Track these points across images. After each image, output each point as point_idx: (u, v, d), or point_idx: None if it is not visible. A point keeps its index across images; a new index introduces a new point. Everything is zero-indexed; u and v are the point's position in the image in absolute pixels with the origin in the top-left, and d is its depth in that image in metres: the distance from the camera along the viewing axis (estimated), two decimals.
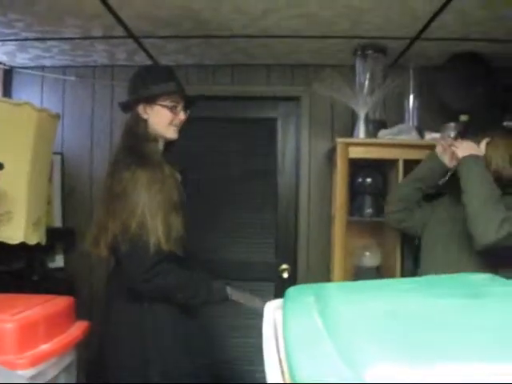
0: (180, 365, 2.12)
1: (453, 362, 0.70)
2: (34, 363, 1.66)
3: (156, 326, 2.11)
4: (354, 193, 3.19)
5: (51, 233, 3.00)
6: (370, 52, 3.06)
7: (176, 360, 2.12)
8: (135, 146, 2.16)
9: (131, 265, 2.03)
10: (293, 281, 3.38)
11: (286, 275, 3.50)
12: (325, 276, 3.22)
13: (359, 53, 3.10)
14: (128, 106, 2.27)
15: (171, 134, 2.26)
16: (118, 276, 2.17)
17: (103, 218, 2.10)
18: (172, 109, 2.24)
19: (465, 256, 2.26)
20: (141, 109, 2.22)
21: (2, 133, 2.51)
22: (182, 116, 2.27)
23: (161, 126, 2.23)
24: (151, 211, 2.03)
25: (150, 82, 2.23)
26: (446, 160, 2.45)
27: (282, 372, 0.87)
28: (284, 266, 3.50)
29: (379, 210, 3.16)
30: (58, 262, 3.47)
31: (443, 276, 1.45)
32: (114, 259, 2.18)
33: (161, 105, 2.22)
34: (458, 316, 0.93)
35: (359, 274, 3.14)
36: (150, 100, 2.21)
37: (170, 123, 2.24)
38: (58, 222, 3.48)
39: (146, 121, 2.22)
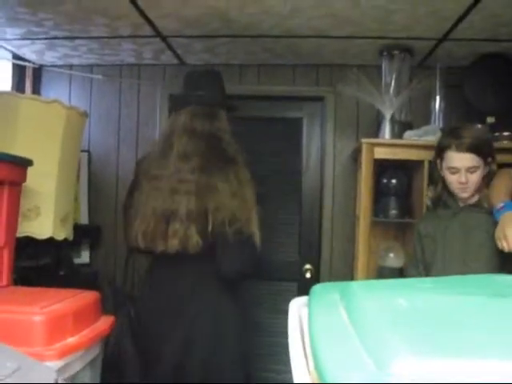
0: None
1: (478, 359, 0.70)
2: (61, 355, 1.68)
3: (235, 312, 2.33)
4: (379, 193, 3.19)
5: (78, 229, 3.04)
6: (396, 52, 3.06)
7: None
8: (220, 143, 2.33)
9: (241, 254, 2.20)
10: (316, 280, 3.38)
11: (308, 275, 3.50)
12: (348, 276, 3.22)
13: (385, 53, 3.09)
14: (210, 102, 2.41)
15: None
16: (205, 265, 2.25)
17: (194, 210, 2.19)
18: None
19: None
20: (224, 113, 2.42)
21: (32, 130, 2.55)
22: None
23: None
24: (254, 206, 2.23)
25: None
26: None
27: (308, 367, 0.88)
28: (307, 266, 3.51)
29: (404, 211, 3.15)
30: (84, 258, 3.53)
31: (467, 276, 1.44)
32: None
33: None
34: (483, 314, 0.93)
35: (382, 274, 3.13)
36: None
37: None
38: (84, 219, 3.53)
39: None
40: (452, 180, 2.32)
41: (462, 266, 2.26)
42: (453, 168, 2.29)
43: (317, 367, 0.78)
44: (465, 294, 1.10)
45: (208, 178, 2.22)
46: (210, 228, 2.18)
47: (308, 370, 0.87)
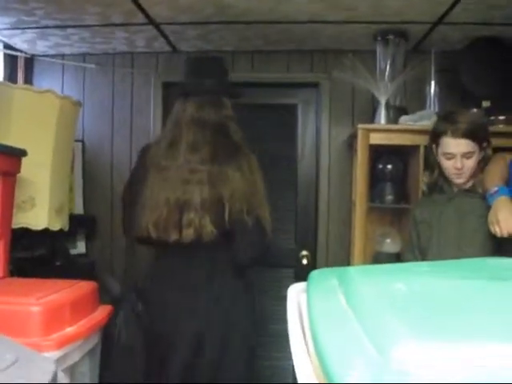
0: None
1: (478, 342, 0.70)
2: (59, 345, 1.69)
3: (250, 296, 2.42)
4: (375, 179, 3.18)
5: (73, 220, 3.02)
6: (390, 37, 3.04)
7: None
8: (227, 131, 2.38)
9: (255, 238, 2.26)
10: (312, 267, 3.38)
11: (305, 261, 3.50)
12: (344, 262, 3.22)
13: (380, 38, 3.08)
14: (214, 91, 2.43)
15: None
16: (218, 254, 2.31)
17: (208, 199, 2.23)
18: None
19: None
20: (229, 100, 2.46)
21: (25, 120, 2.53)
22: None
23: None
24: (265, 192, 2.33)
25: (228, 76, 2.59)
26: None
27: (309, 352, 0.88)
28: (304, 253, 3.51)
29: (400, 196, 3.16)
30: (80, 248, 3.52)
31: (464, 260, 1.44)
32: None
33: None
34: (481, 297, 0.93)
35: (379, 260, 3.14)
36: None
37: None
38: (79, 209, 3.52)
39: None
40: (447, 166, 2.32)
41: (457, 251, 2.27)
42: (448, 154, 2.29)
43: (317, 353, 0.78)
44: (462, 277, 1.10)
45: (220, 167, 2.25)
46: (226, 216, 2.22)
47: (308, 355, 0.87)
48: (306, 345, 0.90)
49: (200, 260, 2.32)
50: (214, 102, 2.39)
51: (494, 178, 2.22)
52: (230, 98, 2.46)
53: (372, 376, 0.65)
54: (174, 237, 2.26)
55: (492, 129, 2.58)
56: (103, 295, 2.22)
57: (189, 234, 2.23)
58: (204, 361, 2.25)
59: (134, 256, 2.43)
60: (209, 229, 2.21)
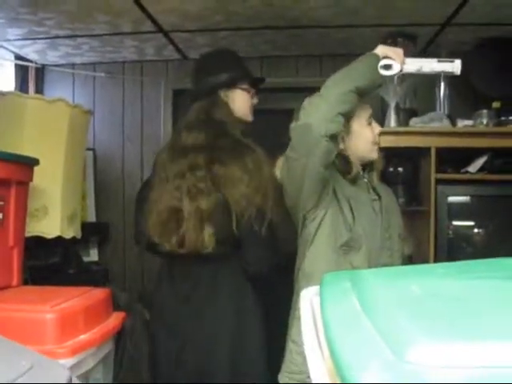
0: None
1: (495, 342, 0.69)
2: (74, 352, 1.69)
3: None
4: (386, 182, 3.17)
5: (85, 227, 3.04)
6: (399, 40, 3.03)
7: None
8: (225, 130, 2.11)
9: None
10: None
11: None
12: None
13: (389, 41, 3.07)
14: (201, 93, 2.18)
15: (250, 117, 2.28)
16: (224, 266, 2.08)
17: (212, 207, 1.98)
18: (249, 92, 2.26)
19: None
20: (222, 94, 2.18)
21: (37, 129, 2.56)
22: (255, 100, 2.30)
23: (242, 110, 2.23)
24: (276, 191, 1.99)
25: (228, 66, 2.23)
26: None
27: (323, 355, 0.88)
28: None
29: (411, 198, 3.14)
30: (92, 255, 3.53)
31: (479, 260, 1.43)
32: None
33: (241, 88, 2.23)
34: (497, 297, 0.92)
35: None
36: (232, 84, 2.20)
37: (249, 107, 2.26)
38: (91, 217, 3.53)
39: (228, 105, 2.18)
40: None
41: None
42: None
43: (332, 355, 0.78)
44: (477, 278, 1.09)
45: (222, 170, 2.00)
46: (234, 225, 1.98)
47: (323, 358, 0.87)
48: (320, 347, 0.90)
49: (203, 273, 2.09)
50: (214, 99, 2.16)
51: None
52: (248, 85, 2.26)
53: (387, 376, 0.65)
54: (171, 249, 2.05)
55: (503, 129, 2.57)
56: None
57: (186, 246, 2.00)
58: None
59: (142, 264, 2.31)
60: (207, 241, 1.97)
